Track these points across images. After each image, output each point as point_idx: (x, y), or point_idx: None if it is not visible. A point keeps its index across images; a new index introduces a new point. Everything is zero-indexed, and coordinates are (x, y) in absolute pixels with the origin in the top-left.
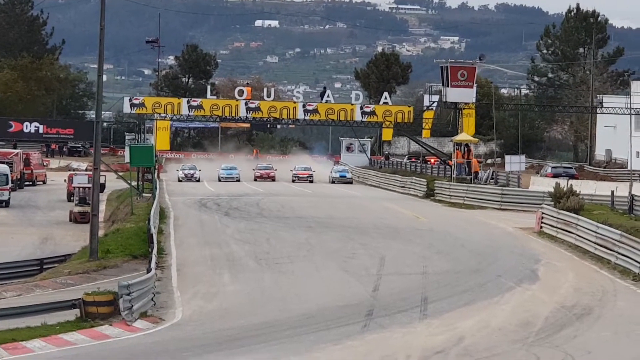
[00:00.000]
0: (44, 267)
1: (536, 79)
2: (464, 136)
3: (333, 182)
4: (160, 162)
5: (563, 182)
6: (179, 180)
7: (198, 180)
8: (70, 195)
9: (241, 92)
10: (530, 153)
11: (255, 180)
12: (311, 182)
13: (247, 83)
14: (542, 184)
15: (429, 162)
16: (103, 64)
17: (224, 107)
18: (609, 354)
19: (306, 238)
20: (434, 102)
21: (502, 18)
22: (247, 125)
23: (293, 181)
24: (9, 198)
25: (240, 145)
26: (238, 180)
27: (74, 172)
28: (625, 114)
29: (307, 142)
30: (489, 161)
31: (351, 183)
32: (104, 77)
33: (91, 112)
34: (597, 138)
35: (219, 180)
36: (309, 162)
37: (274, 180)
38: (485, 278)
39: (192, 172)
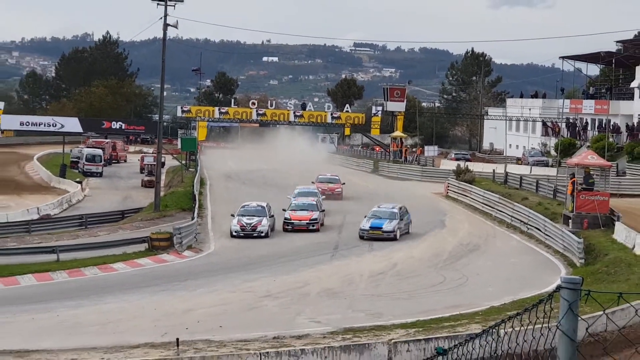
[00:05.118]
0: (125, 215)
1: (445, 96)
2: (397, 133)
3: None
4: (201, 148)
5: (462, 164)
6: (232, 236)
7: (266, 236)
8: (142, 170)
9: (253, 104)
10: (440, 144)
11: None
12: (315, 230)
13: (258, 98)
14: (448, 165)
15: (374, 150)
16: (164, 84)
17: (242, 112)
18: (490, 275)
19: None
20: (378, 110)
21: (423, 57)
22: (257, 124)
23: (285, 229)
24: (102, 171)
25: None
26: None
27: (144, 154)
28: (502, 119)
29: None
30: (414, 149)
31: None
32: (165, 93)
33: (156, 115)
34: (484, 135)
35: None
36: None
37: (339, 197)
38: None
39: (254, 221)
